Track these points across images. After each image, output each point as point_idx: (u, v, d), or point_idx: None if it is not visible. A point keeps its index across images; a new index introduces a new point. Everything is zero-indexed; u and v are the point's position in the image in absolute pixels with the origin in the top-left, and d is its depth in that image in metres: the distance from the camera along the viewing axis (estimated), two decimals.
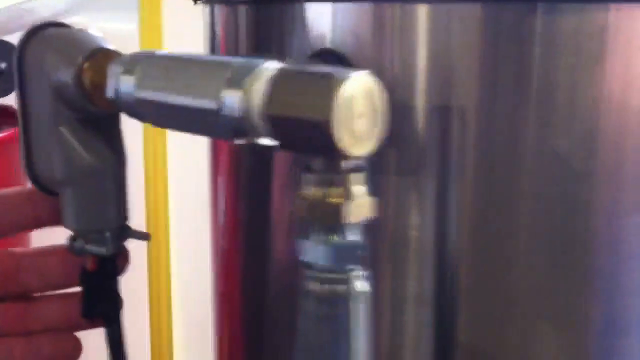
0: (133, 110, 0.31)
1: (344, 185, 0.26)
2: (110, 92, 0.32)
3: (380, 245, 0.32)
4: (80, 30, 0.35)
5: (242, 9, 0.43)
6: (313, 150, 0.26)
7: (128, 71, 0.31)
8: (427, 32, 0.30)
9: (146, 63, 0.31)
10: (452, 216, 0.31)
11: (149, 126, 0.33)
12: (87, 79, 0.33)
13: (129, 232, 0.38)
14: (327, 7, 0.33)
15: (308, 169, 0.27)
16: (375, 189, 0.27)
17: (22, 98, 0.36)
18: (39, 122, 0.36)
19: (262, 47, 0.39)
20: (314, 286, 0.27)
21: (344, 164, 0.26)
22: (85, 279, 0.38)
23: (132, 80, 0.31)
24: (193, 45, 0.49)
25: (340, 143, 0.25)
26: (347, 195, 0.26)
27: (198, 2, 0.49)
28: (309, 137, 0.25)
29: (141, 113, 0.31)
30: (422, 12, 0.30)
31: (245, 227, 0.39)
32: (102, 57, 0.33)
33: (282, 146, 0.27)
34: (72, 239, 0.37)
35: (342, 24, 0.33)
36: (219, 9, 0.46)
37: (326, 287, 0.27)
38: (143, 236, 0.38)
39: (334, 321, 0.28)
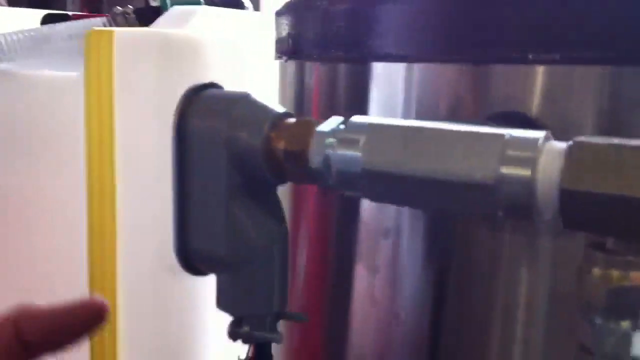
0: (350, 182, 0.28)
1: None
2: (316, 163, 0.29)
3: None
4: (243, 92, 0.32)
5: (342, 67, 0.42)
6: (623, 231, 0.24)
7: (348, 141, 0.28)
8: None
9: (373, 133, 0.28)
10: None
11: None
12: (279, 147, 0.30)
13: (285, 314, 0.34)
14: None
15: (602, 249, 0.25)
16: None
17: (182, 168, 0.32)
18: (206, 194, 0.32)
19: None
20: None
21: None
22: None
23: (357, 151, 0.28)
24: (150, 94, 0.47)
25: None
26: None
27: (284, 58, 0.47)
28: (626, 218, 0.23)
29: (364, 186, 0.28)
30: None
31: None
32: (296, 124, 0.30)
33: (570, 224, 0.25)
34: (235, 325, 0.33)
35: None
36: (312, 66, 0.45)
37: None
38: (299, 317, 0.35)
39: None
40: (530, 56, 0.31)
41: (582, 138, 0.25)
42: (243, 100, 0.31)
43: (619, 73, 0.30)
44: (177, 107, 0.32)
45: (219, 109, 0.31)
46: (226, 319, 0.33)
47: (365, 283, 0.40)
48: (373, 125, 0.28)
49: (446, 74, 0.35)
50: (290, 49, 0.45)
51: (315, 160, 0.29)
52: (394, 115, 0.36)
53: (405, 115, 0.35)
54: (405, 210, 0.37)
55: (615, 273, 0.24)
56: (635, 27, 0.29)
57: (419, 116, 0.34)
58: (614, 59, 0.30)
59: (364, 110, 0.39)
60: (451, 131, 0.27)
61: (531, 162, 0.25)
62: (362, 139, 0.28)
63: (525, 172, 0.25)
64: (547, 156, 0.25)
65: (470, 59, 0.34)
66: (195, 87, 0.32)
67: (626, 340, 0.24)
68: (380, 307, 0.39)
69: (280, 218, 0.33)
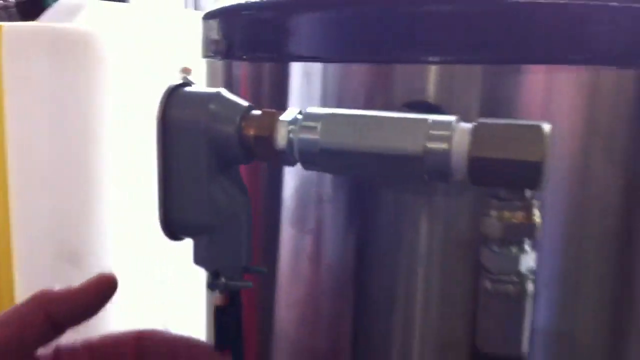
0: (311, 159, 0.37)
1: (530, 210, 0.35)
2: (281, 145, 0.38)
3: None
4: (216, 90, 0.40)
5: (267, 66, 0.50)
6: (513, 185, 0.34)
7: (308, 127, 0.37)
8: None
9: (327, 120, 0.37)
10: None
11: None
12: (249, 134, 0.38)
13: (250, 268, 0.42)
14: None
15: (497, 197, 0.35)
16: None
17: (165, 152, 0.39)
18: (186, 173, 0.39)
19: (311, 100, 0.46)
20: (493, 286, 0.36)
21: (528, 193, 0.35)
22: (219, 314, 0.42)
23: (315, 135, 0.37)
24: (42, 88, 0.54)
25: (544, 178, 0.34)
26: (533, 218, 0.35)
27: (213, 58, 0.55)
28: (515, 175, 0.34)
29: (321, 161, 0.37)
30: None
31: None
32: (262, 115, 0.39)
33: (476, 182, 0.35)
34: (214, 277, 0.41)
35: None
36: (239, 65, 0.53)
37: (503, 287, 0.36)
38: (261, 271, 0.43)
39: (504, 312, 0.36)
40: (424, 58, 0.41)
41: (482, 120, 0.35)
42: (217, 97, 0.39)
43: (494, 70, 0.41)
44: (161, 102, 0.39)
45: (198, 104, 0.39)
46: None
47: (295, 243, 0.49)
48: (326, 115, 0.37)
49: (356, 72, 0.45)
50: (219, 49, 0.53)
51: (280, 143, 0.38)
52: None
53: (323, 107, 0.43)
54: (329, 182, 0.46)
55: (506, 214, 0.35)
56: (503, 35, 0.39)
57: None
58: (488, 60, 0.40)
59: (285, 105, 0.48)
60: (387, 117, 0.36)
61: (448, 139, 0.35)
62: (319, 126, 0.37)
63: (444, 146, 0.35)
64: (459, 134, 0.35)
65: (375, 59, 0.43)
66: (174, 85, 0.40)
67: (515, 260, 0.35)
68: (309, 263, 0.49)
69: (245, 190, 0.41)
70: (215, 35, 0.53)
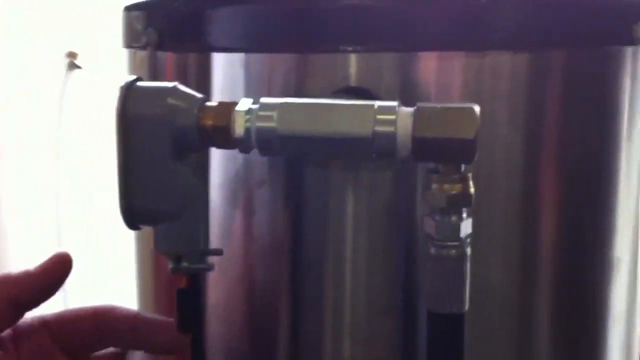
0: (268, 145, 0.40)
1: (466, 181, 0.40)
2: (238, 134, 0.41)
3: None
4: (171, 84, 0.42)
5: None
6: (451, 160, 0.39)
7: (265, 117, 0.40)
8: None
9: (282, 109, 0.40)
10: None
11: None
12: (208, 124, 0.41)
13: (207, 250, 0.45)
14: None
15: (435, 171, 0.40)
16: None
17: (125, 145, 0.42)
18: (146, 164, 0.42)
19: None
20: (437, 252, 0.40)
21: (463, 167, 0.40)
22: (182, 296, 0.44)
23: (273, 122, 0.40)
24: None
25: (475, 153, 0.38)
26: (469, 189, 0.40)
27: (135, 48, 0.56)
28: (453, 151, 0.38)
29: (278, 147, 0.40)
30: None
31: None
32: (218, 106, 0.41)
33: (419, 159, 0.39)
34: (176, 262, 0.43)
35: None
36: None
37: (444, 251, 0.40)
38: (218, 252, 0.46)
39: (448, 273, 0.41)
40: (342, 47, 0.46)
41: (420, 104, 0.39)
42: (174, 90, 0.42)
43: (408, 57, 0.45)
44: (119, 97, 0.41)
45: (156, 98, 0.41)
46: None
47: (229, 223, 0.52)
48: (281, 104, 0.40)
49: (277, 62, 0.48)
50: (142, 40, 0.55)
51: (238, 132, 0.41)
52: (235, 97, 0.47)
53: (246, 96, 0.46)
54: (269, 165, 0.49)
55: (446, 186, 0.40)
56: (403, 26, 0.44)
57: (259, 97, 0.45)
58: (401, 49, 0.45)
59: (209, 94, 0.50)
60: (337, 104, 0.40)
61: (393, 122, 0.39)
62: (275, 114, 0.40)
63: (391, 129, 0.39)
64: (402, 117, 0.39)
65: (295, 49, 0.47)
66: (130, 80, 0.42)
67: (456, 227, 0.40)
68: (258, 239, 0.51)
69: (201, 176, 0.44)
70: (138, 26, 0.55)
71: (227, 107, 0.41)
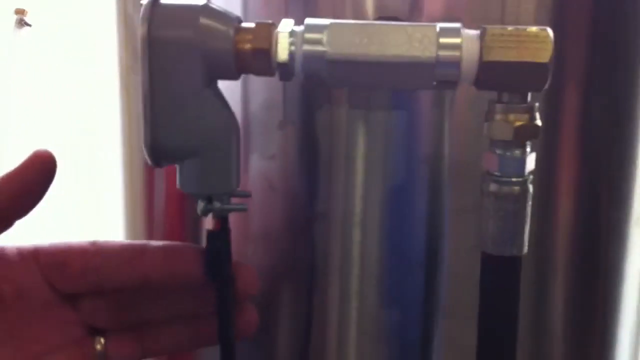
0: (316, 71, 0.36)
1: (533, 112, 0.36)
2: (282, 58, 0.36)
3: None
4: (201, 2, 0.37)
5: None
6: (521, 87, 0.35)
7: (312, 39, 0.36)
8: None
9: (332, 31, 0.36)
10: None
11: None
12: (246, 47, 0.37)
13: (235, 192, 0.41)
14: None
15: (499, 102, 0.36)
16: None
17: (151, 73, 0.37)
18: (175, 93, 0.37)
19: None
20: (499, 188, 0.37)
21: (529, 98, 0.36)
22: (212, 239, 0.40)
23: (322, 46, 0.36)
24: None
25: (549, 79, 0.35)
26: (535, 120, 0.36)
27: None
28: (526, 77, 0.35)
29: (327, 73, 0.36)
30: None
31: None
32: (257, 27, 0.37)
33: (484, 86, 0.36)
34: (207, 203, 0.39)
35: None
36: None
37: (507, 188, 0.37)
38: (246, 194, 0.42)
39: (510, 213, 0.38)
40: None
41: (487, 26, 0.36)
42: (206, 9, 0.37)
43: None
44: (143, 19, 0.36)
45: (186, 19, 0.36)
46: None
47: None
48: (331, 25, 0.36)
49: None
50: None
51: (281, 57, 0.36)
52: None
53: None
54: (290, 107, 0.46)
55: (511, 117, 0.36)
56: None
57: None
58: None
59: None
60: (393, 25, 0.36)
61: (458, 46, 0.35)
62: (324, 37, 0.36)
63: (456, 53, 0.35)
64: (467, 40, 0.35)
65: None
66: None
67: (521, 162, 0.37)
68: (275, 188, 0.48)
69: (230, 107, 0.39)
70: None
71: (267, 28, 0.37)
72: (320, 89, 0.43)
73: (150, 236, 0.56)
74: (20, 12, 1.78)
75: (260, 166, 0.47)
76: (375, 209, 0.45)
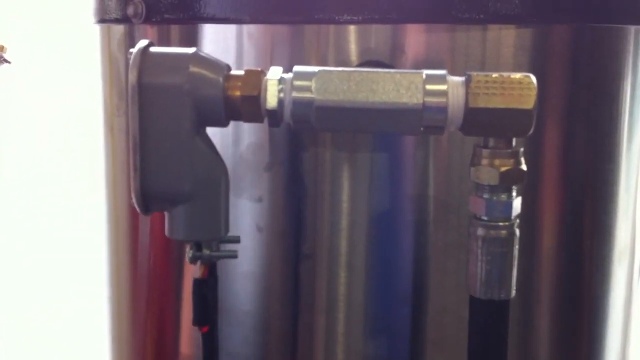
0: (305, 118, 0.37)
1: (519, 157, 0.37)
2: (271, 105, 0.37)
3: None
4: (191, 50, 0.38)
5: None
6: (506, 132, 0.36)
7: (301, 86, 0.36)
8: None
9: (321, 78, 0.37)
10: None
11: None
12: (235, 94, 0.37)
13: (224, 238, 0.41)
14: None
15: (485, 147, 0.37)
16: None
17: (142, 119, 0.37)
18: (165, 140, 0.37)
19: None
20: (486, 233, 0.37)
21: (514, 143, 0.37)
22: (199, 287, 0.40)
23: (310, 92, 0.36)
24: None
25: (533, 124, 0.36)
26: (520, 165, 0.37)
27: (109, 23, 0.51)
28: (511, 122, 0.36)
29: (315, 119, 0.37)
30: None
31: None
32: (247, 74, 0.37)
33: (470, 132, 0.36)
34: (196, 250, 0.39)
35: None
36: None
37: (494, 232, 0.38)
38: (235, 239, 0.42)
39: (497, 256, 0.38)
40: (339, 18, 0.43)
41: (471, 73, 0.36)
42: (196, 57, 0.37)
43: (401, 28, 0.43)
44: (134, 66, 0.37)
45: (176, 67, 0.37)
46: None
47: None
48: (319, 72, 0.37)
49: (272, 34, 0.45)
50: (129, 11, 0.50)
51: (270, 103, 0.37)
52: None
53: (237, 69, 0.43)
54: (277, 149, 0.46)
55: (497, 162, 0.37)
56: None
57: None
58: (394, 20, 0.42)
59: None
60: (380, 72, 0.37)
61: (444, 93, 0.36)
62: (313, 84, 0.36)
63: (441, 99, 0.36)
64: (453, 87, 0.36)
65: (290, 20, 0.44)
66: (143, 47, 0.37)
67: (508, 206, 0.37)
68: (264, 229, 0.48)
69: (218, 154, 0.40)
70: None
71: (257, 76, 0.37)
72: (305, 131, 0.43)
73: (134, 278, 0.55)
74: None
75: (248, 208, 0.47)
76: (361, 248, 0.45)
